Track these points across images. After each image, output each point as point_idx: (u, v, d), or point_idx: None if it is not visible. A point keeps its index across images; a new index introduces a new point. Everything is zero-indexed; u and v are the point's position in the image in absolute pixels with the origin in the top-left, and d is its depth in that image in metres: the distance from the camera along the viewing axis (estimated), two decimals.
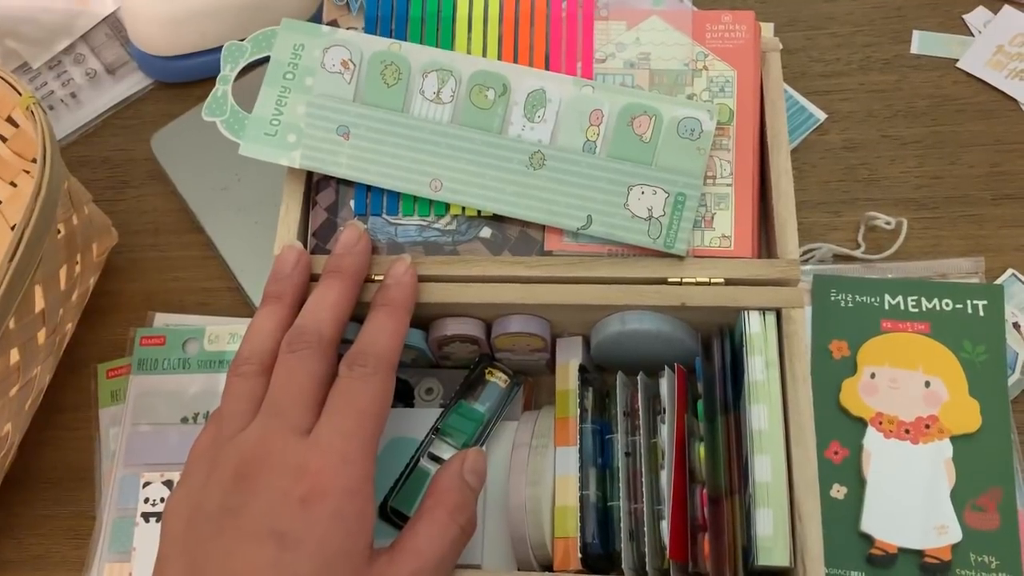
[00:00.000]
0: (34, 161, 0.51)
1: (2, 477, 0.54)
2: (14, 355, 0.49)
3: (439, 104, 0.48)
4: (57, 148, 0.48)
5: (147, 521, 0.52)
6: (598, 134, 0.48)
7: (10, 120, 0.55)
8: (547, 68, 0.50)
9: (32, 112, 0.49)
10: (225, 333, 0.58)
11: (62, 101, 0.67)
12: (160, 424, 0.55)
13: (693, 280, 0.47)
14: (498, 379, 0.50)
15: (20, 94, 0.50)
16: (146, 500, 0.53)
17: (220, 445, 0.40)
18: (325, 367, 0.41)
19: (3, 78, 0.51)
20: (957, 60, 0.64)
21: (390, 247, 0.49)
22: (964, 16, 0.65)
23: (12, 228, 0.57)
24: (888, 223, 0.57)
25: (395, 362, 0.43)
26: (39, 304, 0.50)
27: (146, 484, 0.53)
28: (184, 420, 0.55)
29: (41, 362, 0.53)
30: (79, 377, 0.58)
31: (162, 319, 0.60)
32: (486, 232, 0.49)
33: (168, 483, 0.53)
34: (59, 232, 0.51)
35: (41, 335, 0.51)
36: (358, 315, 0.46)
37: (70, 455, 0.57)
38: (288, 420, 0.39)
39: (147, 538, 0.52)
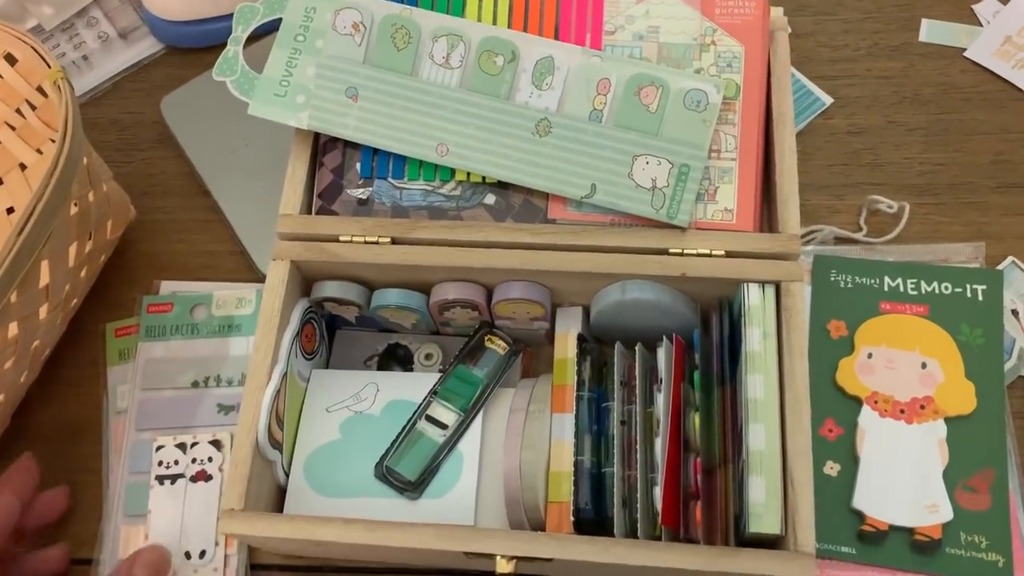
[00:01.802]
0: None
1: None
2: (12, 328, 0.49)
3: (448, 69, 0.49)
4: (79, 125, 0.48)
5: (161, 484, 0.52)
6: (605, 103, 0.48)
7: (39, 90, 0.55)
8: (556, 38, 0.50)
9: (59, 87, 0.49)
10: (232, 298, 0.58)
11: (74, 63, 0.68)
12: (171, 389, 0.56)
13: (694, 251, 0.47)
14: (497, 346, 0.51)
15: (49, 67, 0.50)
16: (160, 463, 0.53)
17: None
18: None
19: (35, 49, 0.51)
20: (965, 49, 0.64)
21: (395, 210, 0.50)
22: (973, 6, 0.66)
23: None
24: (891, 207, 0.58)
25: None
26: (44, 279, 0.50)
27: (159, 447, 0.53)
28: (195, 384, 0.56)
29: (41, 337, 0.53)
30: (82, 337, 0.58)
31: (168, 287, 0.60)
32: (490, 199, 0.49)
33: (180, 445, 0.53)
34: (73, 208, 0.51)
35: (43, 310, 0.51)
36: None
37: (71, 411, 0.57)
38: None
39: (161, 500, 0.52)
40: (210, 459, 0.53)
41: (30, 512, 0.50)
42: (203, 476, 0.53)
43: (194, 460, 0.53)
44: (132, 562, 0.47)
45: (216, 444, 0.53)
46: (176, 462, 0.53)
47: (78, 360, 0.58)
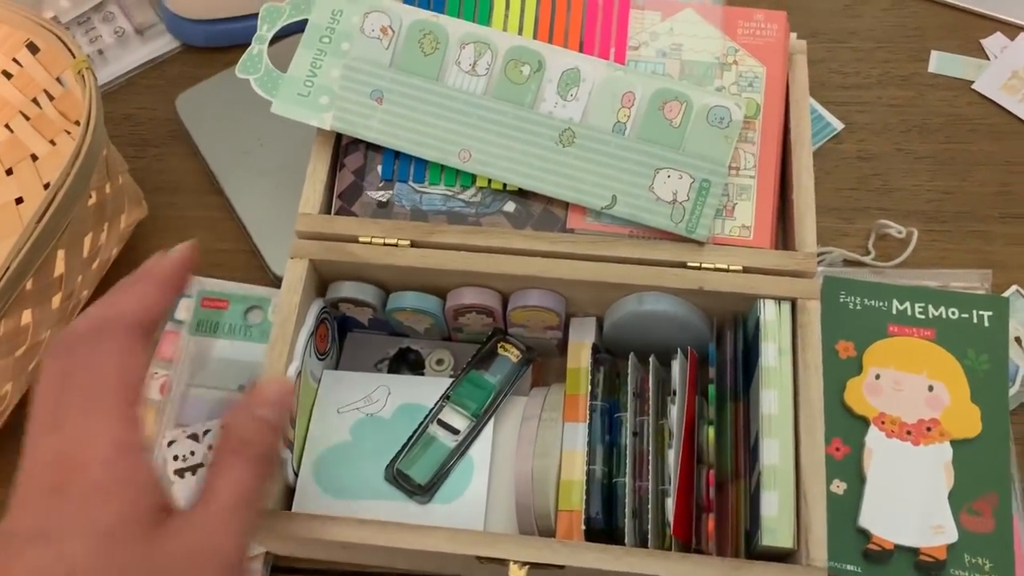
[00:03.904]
0: (76, 123, 0.51)
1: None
2: (26, 316, 0.48)
3: (474, 76, 0.49)
4: (102, 116, 0.48)
5: (182, 476, 0.52)
6: (629, 116, 0.48)
7: (58, 80, 0.55)
8: (581, 51, 0.51)
9: (83, 77, 0.49)
10: None
11: (89, 57, 0.68)
12: (216, 388, 0.55)
13: (712, 266, 0.47)
14: (510, 353, 0.51)
15: (74, 56, 0.50)
16: (175, 457, 0.52)
17: None
18: (63, 361, 0.38)
19: (60, 38, 0.51)
20: (973, 82, 0.65)
21: (414, 214, 0.50)
22: (982, 40, 0.67)
23: (46, 186, 0.57)
24: (899, 232, 0.58)
25: (136, 325, 0.38)
26: (59, 269, 0.50)
27: (171, 443, 0.53)
28: (241, 388, 0.55)
29: (52, 326, 0.52)
30: None
31: (194, 283, 0.59)
32: (510, 206, 0.50)
33: (193, 436, 0.53)
34: (91, 199, 0.51)
35: (56, 299, 0.51)
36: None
37: None
38: (36, 425, 0.37)
39: (183, 494, 0.51)
40: None
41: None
42: None
43: (210, 447, 0.52)
44: (250, 400, 0.39)
45: None
46: (192, 453, 0.52)
47: None
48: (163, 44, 0.68)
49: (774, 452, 0.43)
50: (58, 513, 0.34)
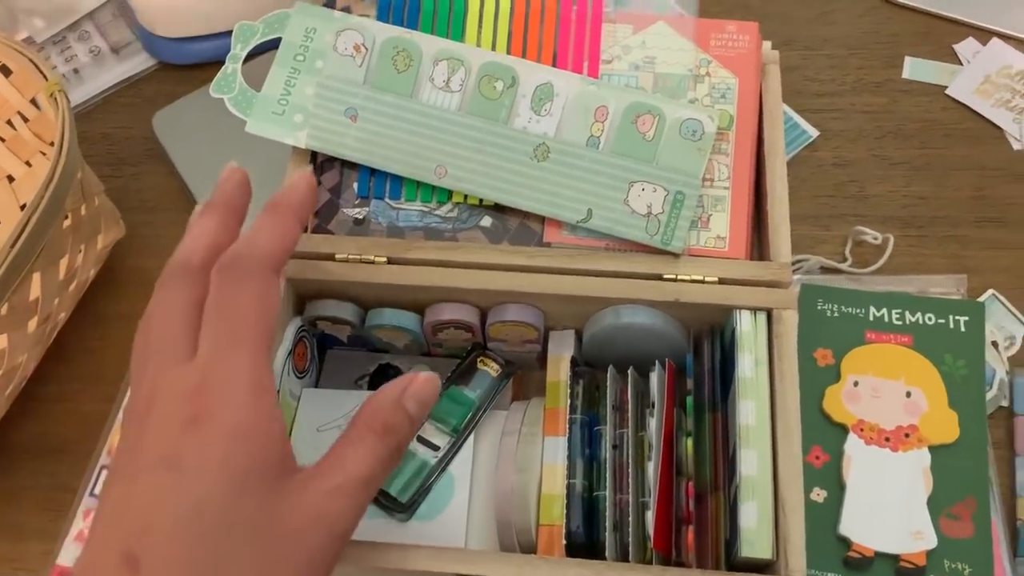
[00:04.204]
0: (51, 144, 0.51)
1: None
2: (1, 341, 0.48)
3: (448, 92, 0.49)
4: (75, 137, 0.48)
5: None
6: (602, 130, 0.49)
7: (33, 102, 0.55)
8: (554, 66, 0.51)
9: (55, 99, 0.49)
10: None
11: (64, 76, 0.68)
12: None
13: (688, 278, 0.47)
14: (490, 368, 0.51)
15: (46, 79, 0.50)
16: None
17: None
18: (198, 293, 0.38)
19: (32, 61, 0.51)
20: (946, 87, 0.66)
21: (391, 231, 0.50)
22: (954, 46, 0.68)
23: (22, 207, 0.56)
24: (875, 238, 0.59)
25: (276, 264, 0.38)
26: (35, 292, 0.49)
27: None
28: None
29: (28, 350, 0.52)
30: (67, 352, 0.58)
31: None
32: (486, 221, 0.50)
33: None
34: (66, 221, 0.51)
35: (32, 323, 0.51)
36: None
37: (56, 428, 0.56)
38: (167, 354, 0.36)
39: None
40: None
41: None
42: None
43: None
44: (403, 389, 0.39)
45: None
46: None
47: (62, 376, 0.57)
48: (139, 62, 0.68)
49: (752, 463, 0.43)
50: (193, 446, 0.34)
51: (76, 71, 0.68)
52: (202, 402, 0.34)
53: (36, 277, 0.48)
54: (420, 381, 0.39)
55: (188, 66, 0.68)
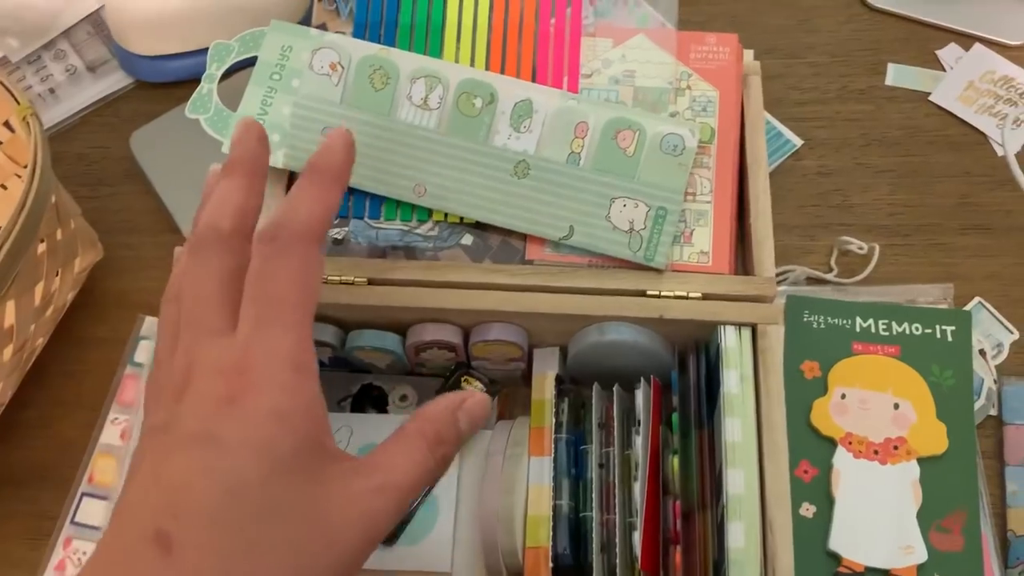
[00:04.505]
0: (26, 167, 0.50)
1: None
2: None
3: (426, 110, 0.49)
4: (49, 162, 0.48)
5: None
6: (583, 146, 0.48)
7: (6, 124, 0.54)
8: (534, 81, 0.50)
9: (27, 123, 0.48)
10: None
11: (40, 96, 0.67)
12: None
13: (672, 293, 0.47)
14: (474, 387, 0.50)
15: (18, 103, 0.49)
16: None
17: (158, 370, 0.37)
18: (233, 261, 0.36)
19: (3, 83, 0.51)
20: (930, 93, 0.65)
21: (371, 250, 0.49)
22: (937, 51, 0.67)
23: None
24: (861, 248, 0.58)
25: (318, 234, 0.37)
26: (9, 320, 0.49)
27: None
28: None
29: (4, 378, 0.51)
30: (46, 377, 0.57)
31: (153, 324, 0.58)
32: (468, 239, 0.49)
33: None
34: (41, 246, 0.50)
35: (8, 351, 0.50)
36: None
37: (37, 455, 0.55)
38: (203, 325, 0.35)
39: None
40: None
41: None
42: None
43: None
44: (460, 403, 0.38)
45: None
46: None
47: (41, 401, 0.57)
48: (116, 81, 0.68)
49: (738, 482, 0.43)
50: (233, 424, 0.32)
51: (52, 91, 0.67)
52: (242, 380, 0.33)
53: (11, 305, 0.48)
54: (477, 400, 0.38)
55: (166, 84, 0.67)
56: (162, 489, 0.32)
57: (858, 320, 0.55)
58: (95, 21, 0.69)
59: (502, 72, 0.50)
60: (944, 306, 0.57)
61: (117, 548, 0.32)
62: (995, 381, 0.55)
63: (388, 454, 0.36)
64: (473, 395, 0.38)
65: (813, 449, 0.52)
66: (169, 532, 0.30)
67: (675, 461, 0.46)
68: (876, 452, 0.51)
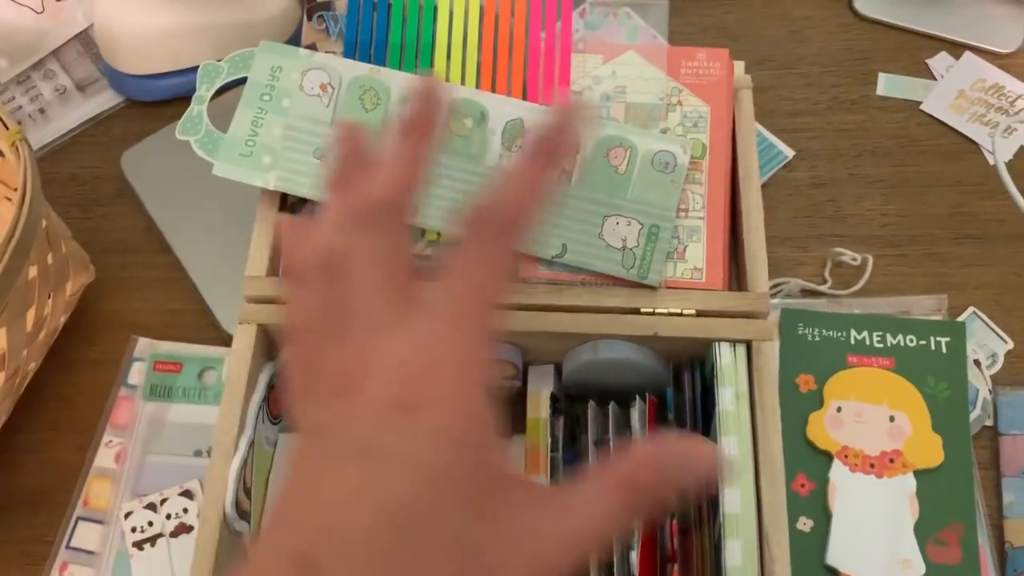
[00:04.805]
0: (16, 190, 0.50)
1: None
2: None
3: None
4: (39, 187, 0.47)
5: (141, 549, 0.51)
6: (574, 164, 0.48)
7: None
8: (524, 98, 0.50)
9: (17, 148, 0.48)
10: None
11: (30, 116, 0.66)
12: (172, 455, 0.54)
13: (665, 311, 0.47)
14: None
15: (7, 128, 0.49)
16: (133, 529, 0.51)
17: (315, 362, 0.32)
18: (405, 241, 0.33)
19: None
20: (921, 103, 0.66)
21: None
22: (928, 60, 0.67)
23: None
24: (854, 259, 0.58)
25: (521, 232, 0.32)
26: (1, 347, 0.48)
27: (128, 514, 0.52)
28: (198, 453, 0.54)
29: None
30: (39, 401, 0.57)
31: (145, 345, 0.58)
32: None
33: (150, 506, 0.52)
34: (32, 271, 0.50)
35: (0, 377, 0.50)
36: None
37: (27, 480, 0.55)
38: (380, 318, 0.31)
39: (145, 565, 0.51)
40: (185, 510, 0.52)
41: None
42: (183, 529, 0.52)
43: (168, 516, 0.51)
44: (687, 459, 0.30)
45: (187, 494, 0.52)
46: (150, 523, 0.51)
47: (35, 425, 0.56)
48: (106, 99, 0.67)
49: (735, 500, 0.43)
50: (403, 439, 0.28)
51: (42, 111, 0.67)
52: (420, 388, 0.29)
53: (2, 332, 0.47)
54: (709, 452, 0.31)
55: (156, 103, 0.67)
56: (314, 508, 0.28)
57: (853, 333, 0.55)
58: (84, 40, 0.69)
59: (493, 90, 0.50)
60: (938, 317, 0.57)
61: (258, 568, 0.28)
62: (990, 391, 0.55)
63: (589, 499, 0.30)
64: (698, 445, 0.31)
65: (809, 463, 0.52)
66: (317, 559, 0.27)
67: None
68: (872, 465, 0.51)
